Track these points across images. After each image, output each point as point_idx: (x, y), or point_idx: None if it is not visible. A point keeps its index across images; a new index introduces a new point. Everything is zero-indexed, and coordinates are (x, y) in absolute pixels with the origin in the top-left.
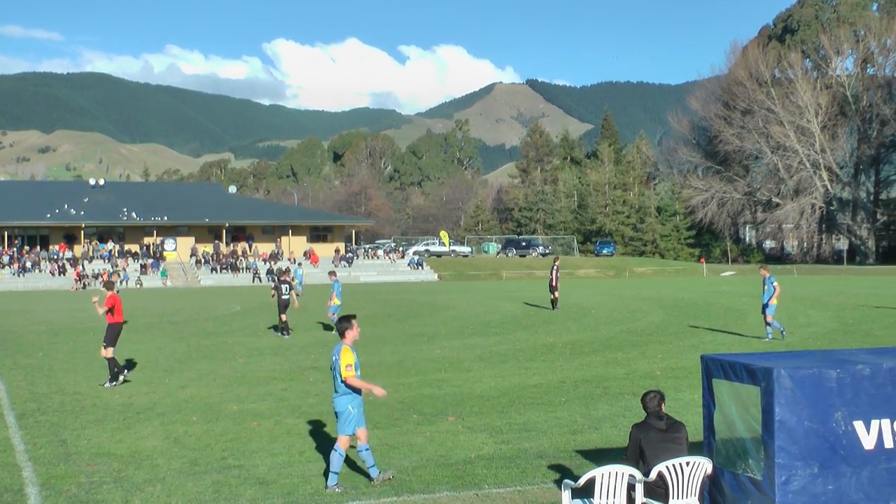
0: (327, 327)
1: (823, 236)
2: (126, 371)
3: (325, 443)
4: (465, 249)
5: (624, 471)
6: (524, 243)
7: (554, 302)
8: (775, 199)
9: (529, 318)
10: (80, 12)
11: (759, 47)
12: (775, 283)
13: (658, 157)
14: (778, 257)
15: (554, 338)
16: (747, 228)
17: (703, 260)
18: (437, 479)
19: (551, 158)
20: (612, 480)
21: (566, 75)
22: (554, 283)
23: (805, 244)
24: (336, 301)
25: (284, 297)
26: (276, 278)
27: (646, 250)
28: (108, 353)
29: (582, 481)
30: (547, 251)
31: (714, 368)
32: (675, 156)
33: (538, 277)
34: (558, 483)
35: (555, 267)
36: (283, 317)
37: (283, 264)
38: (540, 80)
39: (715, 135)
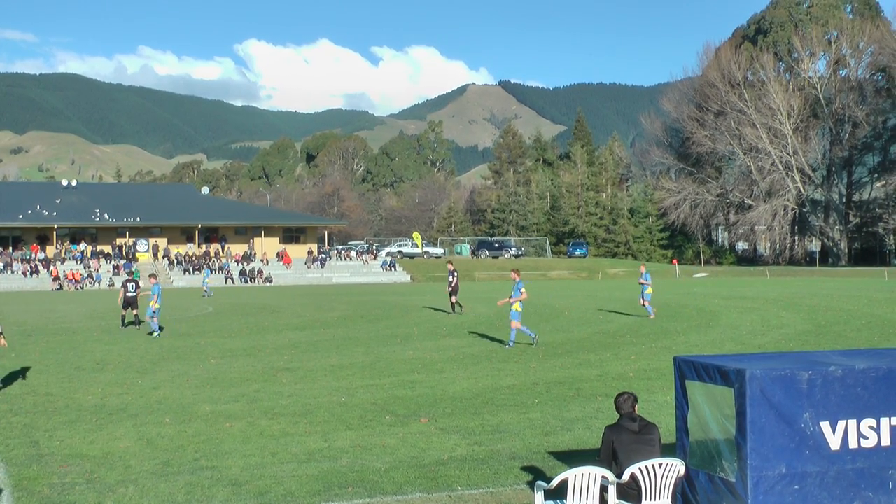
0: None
1: (796, 238)
2: None
3: (297, 445)
4: (438, 251)
5: (597, 472)
6: (497, 245)
7: (454, 306)
8: (748, 201)
9: (502, 319)
10: (53, 13)
11: (731, 49)
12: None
13: (631, 159)
14: (751, 259)
15: (527, 339)
16: (720, 230)
17: (675, 261)
18: (409, 480)
19: (524, 160)
20: (584, 482)
21: (539, 76)
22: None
23: (778, 246)
24: (156, 304)
25: (130, 294)
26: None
27: (619, 252)
28: None
29: (555, 483)
30: (520, 252)
31: (687, 370)
32: (648, 157)
33: (511, 279)
34: (531, 484)
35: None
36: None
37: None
38: (513, 82)
39: (688, 136)
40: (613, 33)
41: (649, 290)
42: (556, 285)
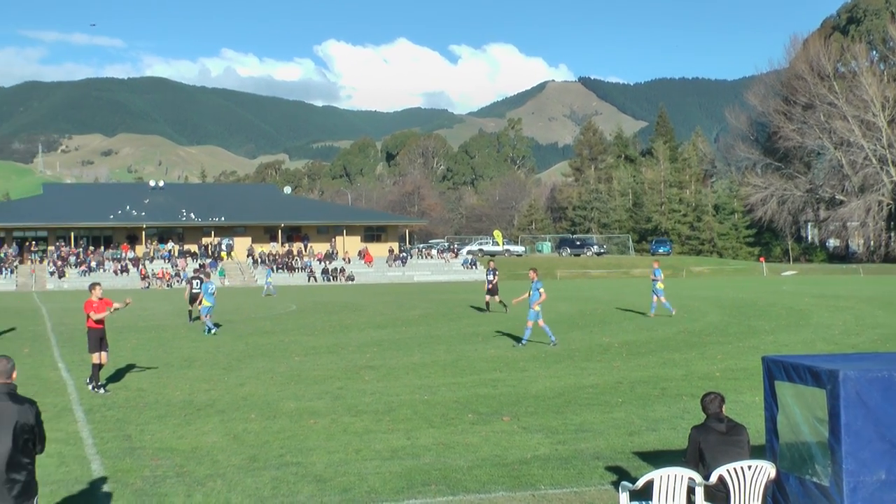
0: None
1: (892, 234)
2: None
3: (381, 442)
4: (519, 249)
5: (683, 473)
6: (578, 242)
7: (489, 304)
8: (839, 197)
9: (584, 317)
10: (140, 19)
11: (820, 40)
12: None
13: (715, 155)
14: (842, 256)
15: (610, 338)
16: (809, 227)
17: (762, 259)
18: (492, 478)
19: (605, 157)
20: (671, 483)
21: (620, 72)
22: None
23: (872, 243)
24: (206, 303)
25: (195, 290)
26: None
27: (703, 249)
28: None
29: (640, 483)
30: (601, 250)
31: (776, 370)
32: (733, 153)
33: (593, 277)
34: (615, 485)
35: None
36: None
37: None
38: (593, 78)
39: (774, 131)
40: (696, 26)
41: (660, 286)
42: (638, 283)
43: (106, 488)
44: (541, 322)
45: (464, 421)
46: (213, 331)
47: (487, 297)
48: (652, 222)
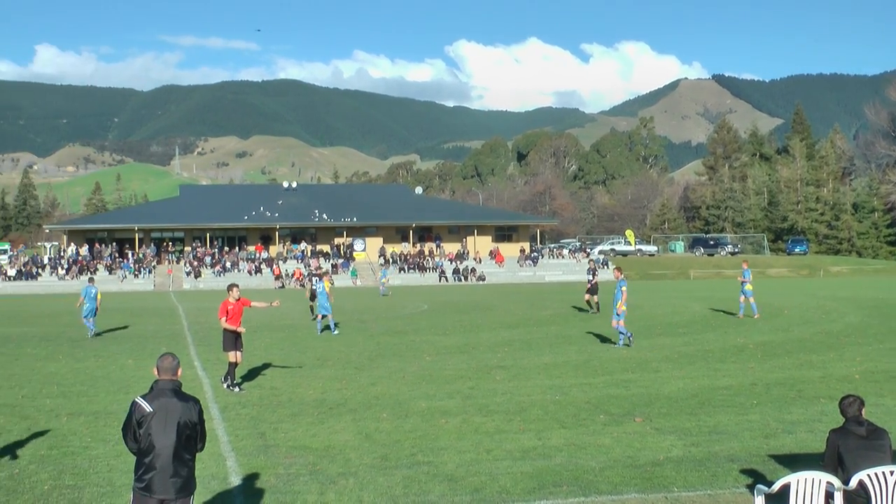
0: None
1: None
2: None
3: (512, 442)
4: (651, 248)
5: (822, 478)
6: (712, 242)
7: (590, 303)
8: None
9: (718, 318)
10: (275, 22)
11: None
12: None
13: (854, 152)
14: None
15: (744, 339)
16: None
17: None
18: (624, 480)
19: (740, 155)
20: (808, 487)
21: (755, 69)
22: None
23: None
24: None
25: (315, 287)
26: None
27: (841, 248)
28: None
29: (776, 487)
30: (736, 250)
31: None
32: (873, 150)
33: (727, 277)
34: (750, 488)
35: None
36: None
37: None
38: (727, 75)
39: None
40: (833, 20)
41: (749, 287)
42: (774, 283)
43: (240, 485)
44: (621, 323)
45: (595, 422)
46: (331, 330)
47: (587, 297)
48: (788, 221)
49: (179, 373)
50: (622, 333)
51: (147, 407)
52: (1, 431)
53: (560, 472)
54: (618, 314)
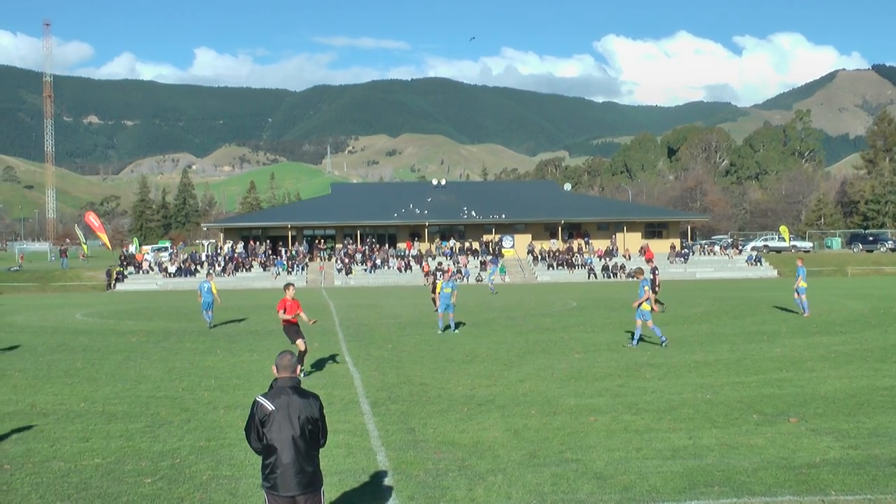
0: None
1: None
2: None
3: (662, 441)
4: (807, 245)
5: None
6: (871, 238)
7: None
8: None
9: (878, 316)
10: (424, 21)
11: None
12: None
13: None
14: None
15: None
16: None
17: None
18: (778, 482)
19: None
20: None
21: None
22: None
23: None
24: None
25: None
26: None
27: None
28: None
29: None
30: None
31: None
32: None
33: (887, 274)
34: None
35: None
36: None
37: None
38: (888, 65)
39: None
40: None
41: (802, 284)
42: None
43: (390, 480)
44: (649, 323)
45: (748, 421)
46: (452, 329)
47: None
48: None
49: (298, 370)
50: (654, 332)
51: (269, 405)
52: (163, 422)
53: (711, 473)
54: (641, 313)
